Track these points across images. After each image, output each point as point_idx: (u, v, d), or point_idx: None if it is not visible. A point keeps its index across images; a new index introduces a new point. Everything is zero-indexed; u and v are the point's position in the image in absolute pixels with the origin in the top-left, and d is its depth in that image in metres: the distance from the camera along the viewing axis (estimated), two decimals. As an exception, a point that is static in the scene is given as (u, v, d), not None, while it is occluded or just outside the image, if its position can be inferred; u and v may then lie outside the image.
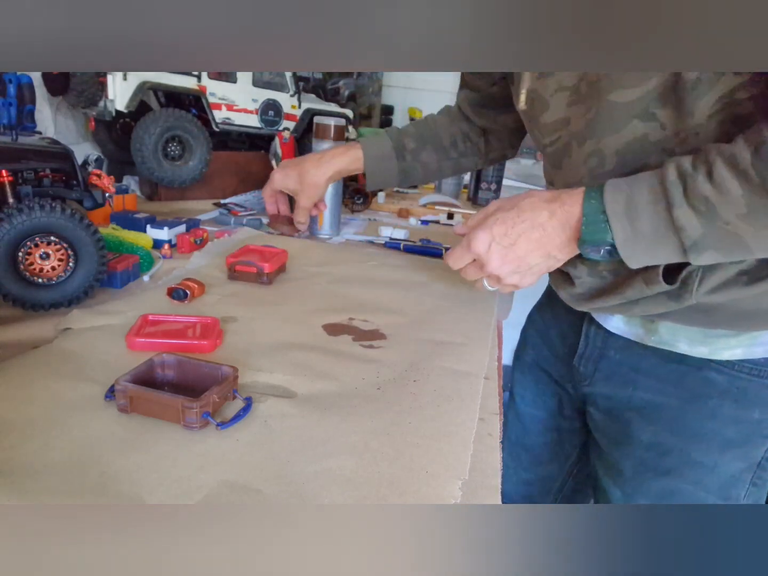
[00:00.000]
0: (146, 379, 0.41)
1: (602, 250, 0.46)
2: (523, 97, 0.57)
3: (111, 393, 0.40)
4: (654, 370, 0.56)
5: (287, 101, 1.17)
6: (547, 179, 0.61)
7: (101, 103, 0.95)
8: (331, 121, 0.89)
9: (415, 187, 1.56)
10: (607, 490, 0.63)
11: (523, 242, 0.50)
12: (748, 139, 0.39)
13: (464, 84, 0.79)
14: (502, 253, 0.51)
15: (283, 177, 0.82)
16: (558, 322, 0.70)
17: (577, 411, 0.71)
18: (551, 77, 0.53)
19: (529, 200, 0.50)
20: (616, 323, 0.58)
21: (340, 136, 0.90)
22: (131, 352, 0.48)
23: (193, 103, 1.06)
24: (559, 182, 0.56)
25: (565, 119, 0.53)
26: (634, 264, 0.45)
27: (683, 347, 0.53)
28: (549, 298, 0.73)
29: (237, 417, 0.39)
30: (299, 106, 1.20)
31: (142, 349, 0.48)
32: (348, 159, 0.79)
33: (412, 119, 2.10)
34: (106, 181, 0.61)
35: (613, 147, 0.48)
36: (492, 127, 0.79)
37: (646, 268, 0.47)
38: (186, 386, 0.43)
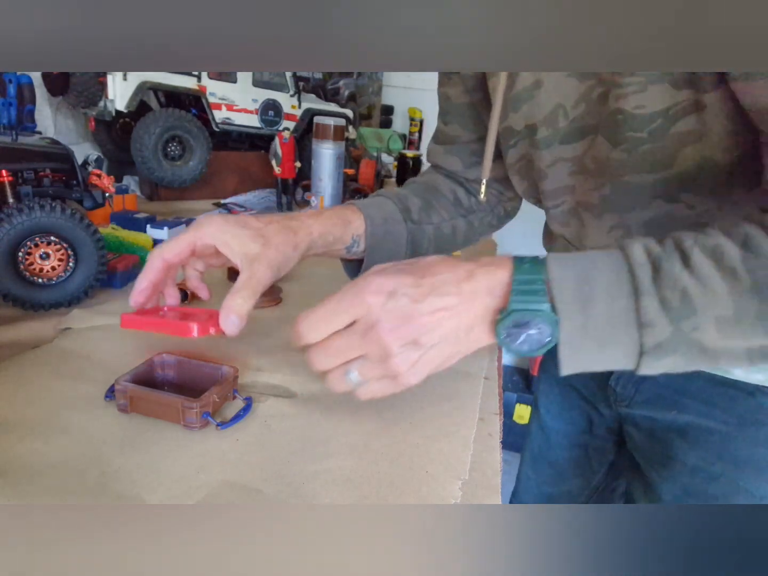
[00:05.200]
0: (146, 378, 0.41)
1: (523, 337, 0.35)
2: (483, 188, 0.51)
3: (111, 393, 0.40)
4: (701, 393, 0.52)
5: (287, 101, 1.17)
6: (555, 233, 0.57)
7: (101, 103, 0.95)
8: (331, 121, 0.89)
9: (415, 187, 1.56)
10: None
11: (431, 305, 0.36)
12: (729, 233, 0.33)
13: (446, 140, 0.65)
14: (403, 311, 0.36)
15: (229, 225, 0.44)
16: None
17: (608, 430, 0.68)
18: (546, 150, 0.50)
19: (439, 257, 0.39)
20: None
21: (340, 136, 0.90)
22: (131, 352, 0.48)
23: (193, 103, 1.06)
24: (572, 237, 0.53)
25: (569, 187, 0.50)
26: (568, 363, 0.34)
27: (739, 373, 0.49)
28: None
29: (237, 417, 0.40)
30: (299, 106, 1.20)
31: (128, 326, 0.43)
32: (333, 220, 0.52)
33: (412, 119, 2.10)
34: (106, 181, 0.61)
35: (639, 221, 0.45)
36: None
37: None
38: (186, 386, 0.43)
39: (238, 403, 0.42)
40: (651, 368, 0.33)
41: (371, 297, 0.37)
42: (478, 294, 0.36)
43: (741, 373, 0.49)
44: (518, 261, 0.36)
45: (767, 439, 0.50)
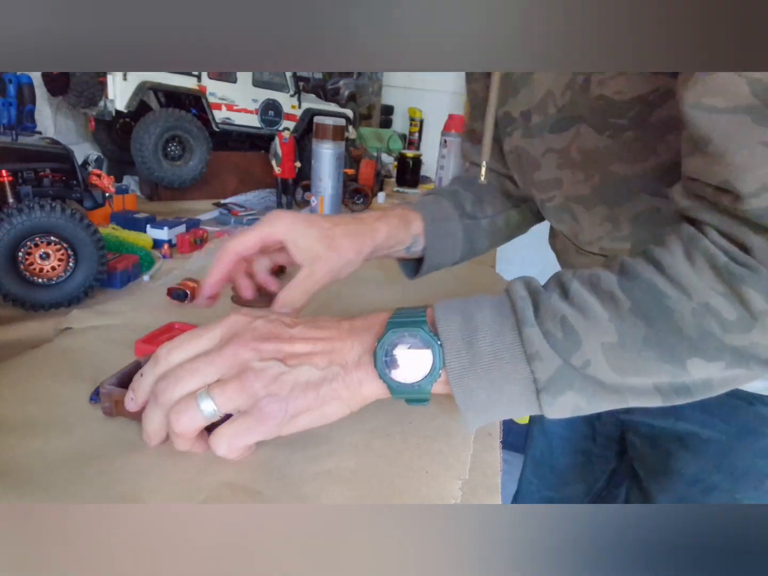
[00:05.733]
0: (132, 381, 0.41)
1: (403, 358, 0.33)
2: (483, 171, 0.50)
3: (96, 396, 0.40)
4: (701, 402, 0.51)
5: (287, 101, 1.17)
6: (555, 228, 0.57)
7: (101, 103, 0.95)
8: (331, 121, 0.89)
9: (414, 186, 1.56)
10: None
11: (304, 330, 0.35)
12: (607, 265, 0.33)
13: (478, 138, 0.61)
14: (270, 330, 0.34)
15: (298, 223, 0.45)
16: None
17: (609, 439, 0.68)
18: (538, 137, 0.49)
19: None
20: None
21: (340, 136, 0.90)
22: (132, 352, 0.48)
23: (193, 103, 1.06)
24: (568, 232, 0.53)
25: (557, 180, 0.50)
26: (467, 410, 0.32)
27: None
28: None
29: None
30: (299, 106, 1.20)
31: (143, 353, 0.47)
32: (395, 221, 0.52)
33: (412, 119, 2.10)
34: (106, 181, 0.61)
35: (628, 214, 0.45)
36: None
37: None
38: None
39: None
40: (554, 408, 0.31)
41: (235, 316, 0.35)
42: (356, 330, 0.35)
43: None
44: (399, 309, 0.35)
45: (766, 450, 0.49)
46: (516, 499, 0.83)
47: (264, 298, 0.61)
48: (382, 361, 0.33)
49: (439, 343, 0.32)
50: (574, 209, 0.50)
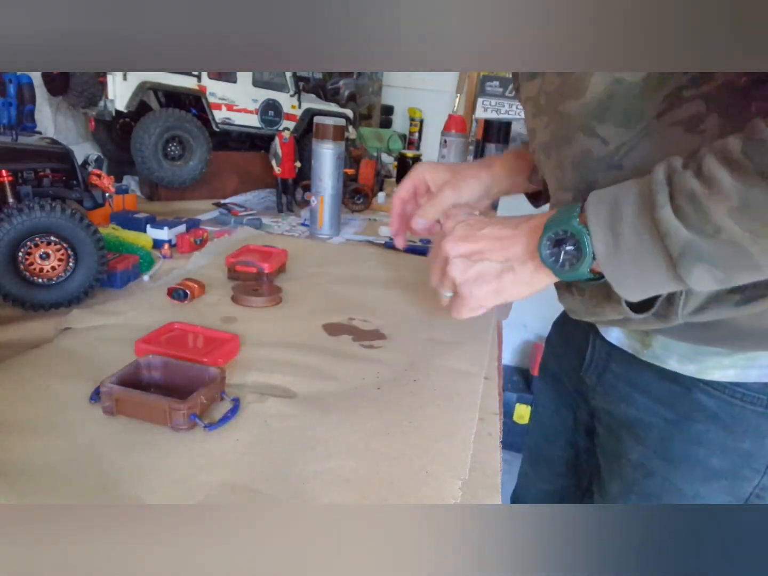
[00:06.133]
0: (132, 380, 0.41)
1: (563, 255, 0.39)
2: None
3: (96, 395, 0.40)
4: (647, 387, 0.53)
5: (287, 101, 1.17)
6: None
7: (101, 103, 0.95)
8: (331, 121, 0.89)
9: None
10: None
11: (488, 231, 0.46)
12: (739, 133, 0.35)
13: None
14: (465, 231, 0.47)
15: (432, 166, 0.63)
16: (575, 332, 0.67)
17: (587, 427, 0.69)
18: (522, 87, 0.51)
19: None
20: (617, 335, 0.56)
21: (340, 136, 0.90)
22: (132, 352, 0.48)
23: (193, 103, 1.06)
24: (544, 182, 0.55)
25: (532, 130, 0.51)
26: (623, 286, 0.38)
27: (673, 364, 0.50)
28: None
29: (225, 418, 0.39)
30: (299, 106, 1.20)
31: (143, 353, 0.47)
32: (512, 157, 0.62)
33: (412, 119, 2.10)
34: (106, 181, 0.61)
35: (569, 159, 0.45)
36: None
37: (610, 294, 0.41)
38: (173, 388, 0.42)
39: (226, 404, 0.41)
40: (692, 281, 0.35)
41: (448, 223, 0.49)
42: (527, 229, 0.43)
43: (676, 364, 0.49)
44: (562, 208, 0.42)
45: (699, 437, 0.49)
46: (514, 492, 0.84)
47: (263, 297, 0.61)
48: (546, 254, 0.41)
49: (587, 232, 0.38)
50: (541, 158, 0.51)
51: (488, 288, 0.45)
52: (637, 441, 0.54)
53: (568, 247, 0.39)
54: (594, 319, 0.49)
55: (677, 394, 0.50)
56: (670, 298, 0.42)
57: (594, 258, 0.38)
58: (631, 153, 0.42)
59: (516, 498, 0.83)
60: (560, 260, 0.40)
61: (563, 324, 0.72)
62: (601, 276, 0.39)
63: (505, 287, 0.44)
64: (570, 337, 0.68)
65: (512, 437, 1.23)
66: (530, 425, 0.79)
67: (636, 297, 0.38)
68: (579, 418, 0.70)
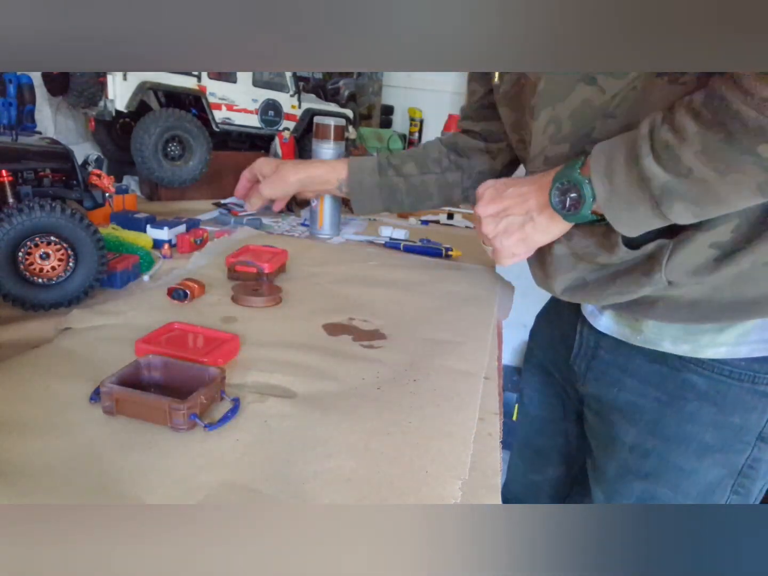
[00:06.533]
0: (132, 380, 0.41)
1: (568, 201, 0.47)
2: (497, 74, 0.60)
3: (96, 395, 0.40)
4: (638, 371, 0.56)
5: (287, 101, 1.17)
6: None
7: (101, 103, 0.95)
8: (331, 121, 0.89)
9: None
10: (592, 492, 0.64)
11: (511, 191, 0.53)
12: (706, 87, 0.41)
13: (472, 79, 0.76)
14: (492, 195, 0.54)
15: (264, 162, 0.82)
16: (561, 323, 0.70)
17: (578, 414, 0.71)
18: None
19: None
20: (606, 323, 0.59)
21: (340, 136, 0.90)
22: (132, 352, 0.48)
23: (193, 103, 1.06)
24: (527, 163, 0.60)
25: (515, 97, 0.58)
26: (620, 224, 0.45)
27: (667, 346, 0.53)
28: (554, 299, 0.73)
29: (225, 418, 0.39)
30: (299, 106, 1.20)
31: (143, 353, 0.47)
32: (327, 168, 0.80)
33: (412, 119, 2.10)
34: (106, 181, 0.61)
35: (567, 112, 0.50)
36: (492, 129, 0.76)
37: (609, 235, 0.48)
38: (173, 388, 0.42)
39: (226, 404, 0.41)
40: (671, 214, 0.42)
41: (480, 188, 0.56)
42: (541, 183, 0.50)
43: (670, 346, 0.53)
44: (568, 161, 0.49)
45: (692, 415, 0.53)
46: (504, 485, 0.84)
47: (263, 297, 0.61)
48: (555, 201, 0.48)
49: (587, 181, 0.45)
50: (526, 122, 0.56)
51: (515, 238, 0.53)
52: (631, 423, 0.57)
53: (572, 194, 0.47)
54: (576, 293, 0.55)
55: (668, 376, 0.54)
56: (655, 254, 0.48)
57: (594, 201, 0.45)
58: (623, 103, 0.47)
59: (506, 490, 0.84)
60: (566, 205, 0.47)
61: (547, 316, 0.75)
62: (601, 218, 0.46)
63: (528, 235, 0.52)
64: (555, 329, 0.71)
65: (512, 437, 1.23)
66: (518, 417, 0.80)
67: (631, 233, 0.46)
68: (568, 406, 0.72)
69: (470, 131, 0.78)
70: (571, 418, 0.73)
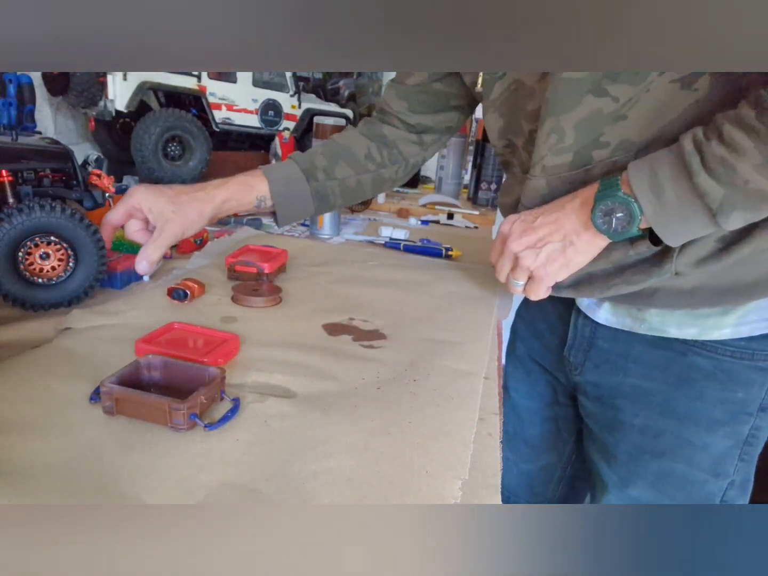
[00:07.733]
0: (132, 380, 0.41)
1: (614, 221, 0.47)
2: (480, 80, 0.58)
3: (96, 395, 0.40)
4: (642, 357, 0.59)
5: (287, 101, 1.18)
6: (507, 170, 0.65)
7: (101, 103, 0.95)
8: (331, 121, 0.89)
9: (414, 186, 1.56)
10: (602, 475, 0.65)
11: (540, 220, 0.53)
12: (748, 100, 0.42)
13: (399, 79, 0.72)
14: (522, 227, 0.54)
15: (151, 193, 0.58)
16: (546, 315, 0.71)
17: (570, 397, 0.73)
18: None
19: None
20: (604, 315, 0.60)
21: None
22: (132, 352, 0.48)
23: (193, 103, 1.06)
24: (518, 167, 0.60)
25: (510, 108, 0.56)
26: (670, 237, 0.46)
27: (673, 331, 0.55)
28: None
29: (225, 418, 0.39)
30: (299, 106, 1.20)
31: (143, 353, 0.47)
32: (236, 188, 0.64)
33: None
34: (106, 181, 0.61)
35: (572, 122, 0.50)
36: (428, 125, 0.74)
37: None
38: (173, 388, 0.42)
39: (226, 404, 0.41)
40: (728, 223, 0.43)
41: (504, 226, 0.56)
42: (575, 208, 0.50)
43: (675, 331, 0.55)
44: (603, 178, 0.49)
45: (701, 394, 0.56)
46: None
47: (263, 297, 0.61)
48: (599, 223, 0.48)
49: (633, 200, 0.45)
50: (521, 125, 0.56)
51: (559, 264, 0.53)
52: (640, 406, 0.60)
53: (619, 215, 0.47)
54: (577, 289, 0.57)
55: (673, 360, 0.57)
56: (668, 247, 0.49)
57: (641, 218, 0.46)
58: (636, 105, 0.48)
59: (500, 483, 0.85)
60: (613, 226, 0.48)
61: (528, 310, 0.76)
62: (645, 232, 0.48)
63: (570, 259, 0.52)
64: (540, 322, 0.73)
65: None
66: (505, 412, 0.80)
67: (678, 242, 0.47)
68: (558, 391, 0.75)
69: (402, 121, 0.73)
70: (562, 401, 0.75)
